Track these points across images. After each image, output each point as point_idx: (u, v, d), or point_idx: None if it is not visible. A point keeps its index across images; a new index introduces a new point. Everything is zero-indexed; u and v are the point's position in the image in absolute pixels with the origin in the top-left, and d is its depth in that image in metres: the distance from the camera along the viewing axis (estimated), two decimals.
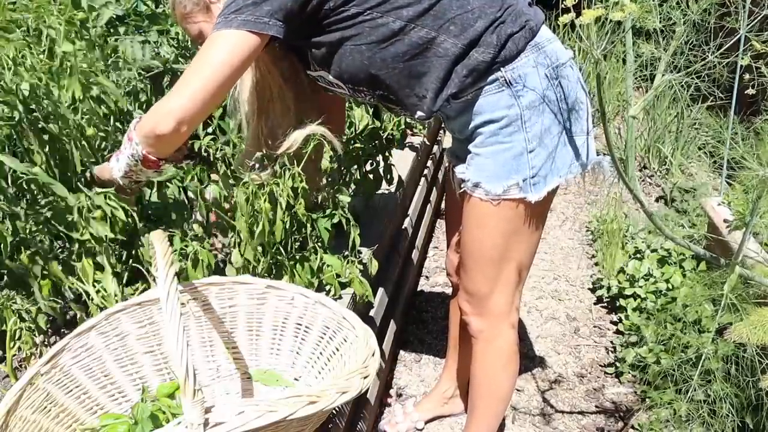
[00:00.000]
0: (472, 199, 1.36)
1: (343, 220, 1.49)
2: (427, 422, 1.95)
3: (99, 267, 1.32)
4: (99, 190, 1.32)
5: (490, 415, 1.62)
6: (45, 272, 1.33)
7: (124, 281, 1.38)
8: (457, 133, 1.40)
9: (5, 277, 1.38)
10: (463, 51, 1.25)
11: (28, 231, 1.32)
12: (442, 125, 2.99)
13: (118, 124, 1.57)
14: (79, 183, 1.41)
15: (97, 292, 1.31)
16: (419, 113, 1.33)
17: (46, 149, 1.37)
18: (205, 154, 1.46)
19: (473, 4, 1.26)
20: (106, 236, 1.29)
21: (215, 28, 1.20)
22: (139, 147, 1.25)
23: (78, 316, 1.37)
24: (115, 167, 1.30)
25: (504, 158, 1.30)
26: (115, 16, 1.95)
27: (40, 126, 1.36)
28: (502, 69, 1.27)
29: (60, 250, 1.41)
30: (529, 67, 1.28)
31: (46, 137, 1.38)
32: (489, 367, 1.55)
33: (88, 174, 1.39)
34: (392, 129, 2.41)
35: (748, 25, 1.10)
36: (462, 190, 1.38)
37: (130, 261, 1.40)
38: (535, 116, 1.28)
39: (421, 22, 1.25)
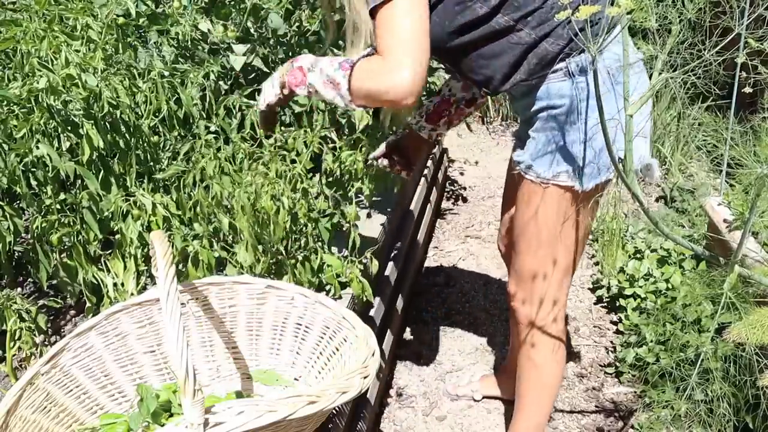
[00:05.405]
0: (524, 181, 1.42)
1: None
2: (484, 397, 2.02)
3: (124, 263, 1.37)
4: None
5: (537, 404, 1.63)
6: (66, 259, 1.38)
7: (143, 280, 1.42)
8: (519, 113, 1.46)
9: (6, 276, 1.39)
10: (535, 41, 1.31)
11: (56, 222, 1.38)
12: None
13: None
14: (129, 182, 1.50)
15: (115, 285, 1.34)
16: (485, 90, 1.42)
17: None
18: None
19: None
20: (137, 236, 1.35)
21: None
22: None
23: (87, 305, 1.39)
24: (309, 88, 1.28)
25: (557, 144, 1.34)
26: (116, 16, 1.95)
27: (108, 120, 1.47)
28: (567, 59, 1.31)
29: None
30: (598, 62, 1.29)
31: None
32: (535, 355, 1.56)
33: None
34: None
35: (742, 23, 1.11)
36: (518, 172, 1.43)
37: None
38: (592, 109, 1.31)
39: (504, 11, 1.30)
